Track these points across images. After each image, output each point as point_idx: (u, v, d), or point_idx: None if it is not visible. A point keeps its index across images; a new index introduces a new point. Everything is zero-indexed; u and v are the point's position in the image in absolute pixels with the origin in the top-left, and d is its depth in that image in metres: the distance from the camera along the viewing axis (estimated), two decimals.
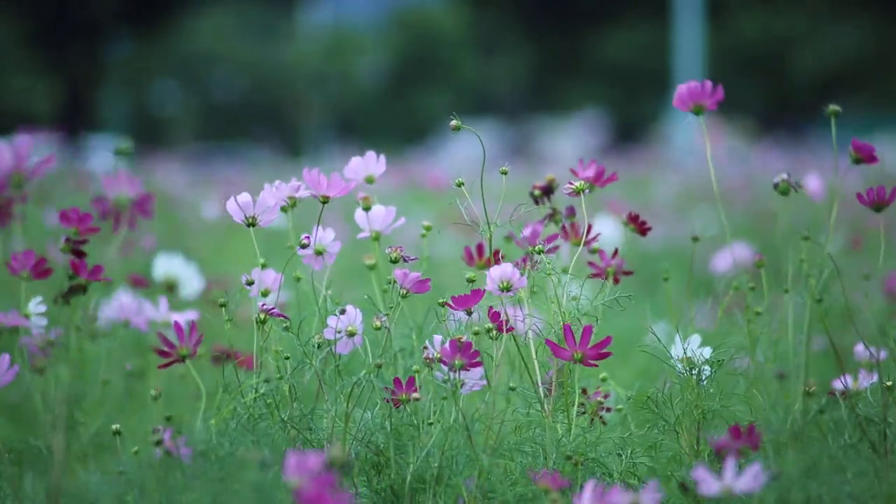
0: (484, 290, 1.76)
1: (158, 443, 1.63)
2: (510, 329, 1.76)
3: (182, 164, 11.57)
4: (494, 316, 1.76)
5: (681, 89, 1.86)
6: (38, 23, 25.10)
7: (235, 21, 28.70)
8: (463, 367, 1.70)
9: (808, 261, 1.76)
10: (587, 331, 1.71)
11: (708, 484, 1.49)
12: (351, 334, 1.79)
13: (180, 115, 27.86)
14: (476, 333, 1.75)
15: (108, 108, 27.82)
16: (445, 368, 1.71)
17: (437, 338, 1.78)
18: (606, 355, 1.71)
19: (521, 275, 1.76)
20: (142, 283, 2.70)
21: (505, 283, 1.76)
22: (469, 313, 1.76)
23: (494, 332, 1.74)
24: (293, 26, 28.94)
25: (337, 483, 1.34)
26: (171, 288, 2.70)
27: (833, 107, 1.73)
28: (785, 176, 1.81)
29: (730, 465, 1.50)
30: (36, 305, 1.84)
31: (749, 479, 1.49)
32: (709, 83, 1.86)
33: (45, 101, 24.57)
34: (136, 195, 1.63)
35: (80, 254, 1.79)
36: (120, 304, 2.29)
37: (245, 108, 28.00)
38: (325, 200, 1.83)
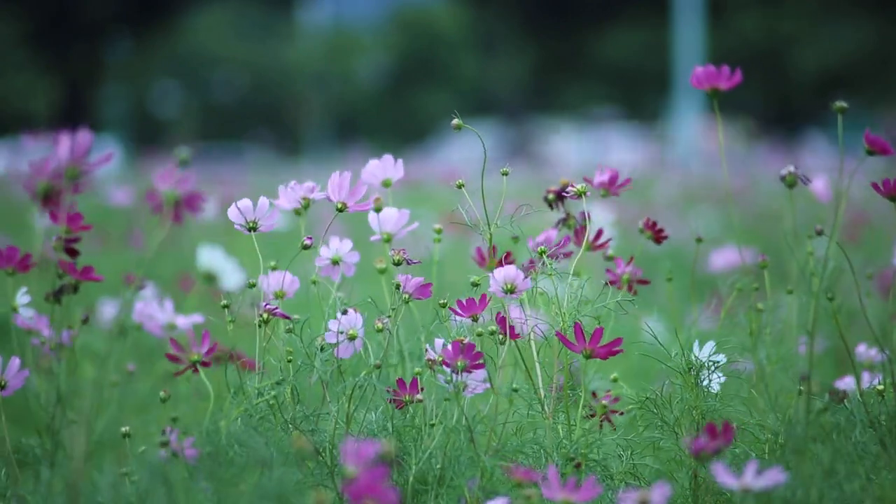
0: (489, 297, 1.75)
1: (165, 444, 1.63)
2: (515, 336, 1.75)
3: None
4: (501, 321, 1.74)
5: (697, 70, 1.87)
6: (38, 23, 25.11)
7: (235, 21, 28.71)
8: (465, 369, 1.70)
9: (813, 255, 1.76)
10: (598, 331, 1.71)
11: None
12: (352, 338, 1.78)
13: (180, 115, 27.86)
14: (479, 335, 1.74)
15: (108, 108, 27.83)
16: (448, 371, 1.71)
17: (439, 341, 1.77)
18: (617, 352, 1.71)
19: (526, 277, 1.75)
20: (189, 284, 2.62)
21: (509, 286, 1.75)
22: (475, 319, 1.75)
23: (500, 337, 1.74)
24: (293, 26, 28.94)
25: (388, 476, 1.37)
26: (211, 280, 2.68)
27: (840, 103, 1.73)
28: (792, 168, 1.81)
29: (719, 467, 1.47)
30: (22, 296, 1.82)
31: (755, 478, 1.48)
32: (726, 68, 1.87)
33: (45, 101, 24.57)
34: (186, 191, 1.58)
35: (73, 252, 1.78)
36: (136, 308, 2.29)
37: (245, 108, 28.00)
38: (342, 209, 1.81)
